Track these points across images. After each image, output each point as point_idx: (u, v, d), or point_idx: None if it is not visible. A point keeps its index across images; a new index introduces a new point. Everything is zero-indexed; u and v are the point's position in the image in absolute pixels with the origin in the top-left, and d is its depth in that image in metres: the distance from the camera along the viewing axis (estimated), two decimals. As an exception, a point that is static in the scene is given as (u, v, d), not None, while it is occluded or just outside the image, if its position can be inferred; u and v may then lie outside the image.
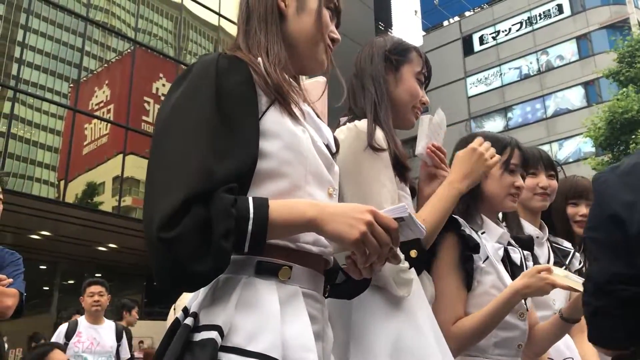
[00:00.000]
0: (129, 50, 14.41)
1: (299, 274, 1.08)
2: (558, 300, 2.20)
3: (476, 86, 30.17)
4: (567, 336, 2.13)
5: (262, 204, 0.99)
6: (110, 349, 4.72)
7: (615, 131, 14.94)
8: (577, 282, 1.67)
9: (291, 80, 1.23)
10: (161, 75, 14.90)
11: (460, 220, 1.81)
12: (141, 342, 11.02)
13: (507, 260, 1.92)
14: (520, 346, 1.84)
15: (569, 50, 27.48)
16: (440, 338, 1.50)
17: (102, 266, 15.44)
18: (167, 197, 0.95)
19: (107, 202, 13.36)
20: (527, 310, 1.85)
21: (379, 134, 1.54)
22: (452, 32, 32.01)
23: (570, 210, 2.51)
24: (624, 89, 15.79)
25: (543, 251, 2.29)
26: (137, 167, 14.02)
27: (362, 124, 1.56)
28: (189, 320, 1.00)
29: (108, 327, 5.01)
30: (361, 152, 1.50)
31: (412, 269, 1.49)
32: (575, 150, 24.94)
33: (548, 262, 2.25)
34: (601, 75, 17.86)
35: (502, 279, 1.81)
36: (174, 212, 0.92)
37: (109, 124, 13.75)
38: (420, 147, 1.72)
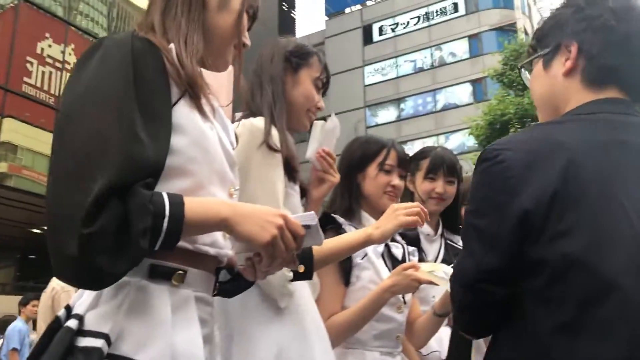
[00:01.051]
0: (11, 4, 13.34)
1: (193, 277, 1.06)
2: (438, 295, 2.33)
3: (373, 75, 30.94)
4: (441, 330, 2.25)
5: (178, 202, 0.95)
6: None
7: (494, 131, 15.95)
8: (441, 278, 1.76)
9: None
10: (47, 35, 13.96)
11: (340, 219, 1.89)
12: (11, 316, 10.40)
13: (388, 255, 2.01)
14: (398, 337, 1.95)
15: (461, 48, 28.86)
16: (326, 342, 1.56)
17: (-29, 236, 14.35)
18: (86, 187, 0.89)
19: (-21, 167, 12.39)
20: (405, 303, 1.96)
21: (275, 134, 1.55)
22: (354, 20, 32.52)
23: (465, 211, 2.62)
24: (504, 92, 16.86)
25: (434, 248, 2.40)
26: (15, 131, 13.11)
27: (258, 121, 1.56)
28: (72, 323, 0.94)
29: None
30: (255, 149, 1.51)
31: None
32: (460, 144, 26.31)
33: (436, 258, 2.37)
34: (487, 74, 18.93)
35: (380, 274, 1.91)
36: (95, 206, 0.87)
37: (-14, 83, 12.72)
38: (310, 152, 1.76)
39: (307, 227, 1.05)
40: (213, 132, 1.12)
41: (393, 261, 2.01)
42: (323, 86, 1.78)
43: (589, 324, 0.99)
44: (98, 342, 0.91)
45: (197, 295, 1.06)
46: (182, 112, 1.06)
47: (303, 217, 1.06)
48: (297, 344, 1.47)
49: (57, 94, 13.96)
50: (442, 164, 2.38)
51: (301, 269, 1.44)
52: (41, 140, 13.53)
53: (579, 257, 1.01)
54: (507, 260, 1.07)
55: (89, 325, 0.94)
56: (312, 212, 1.10)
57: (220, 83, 1.37)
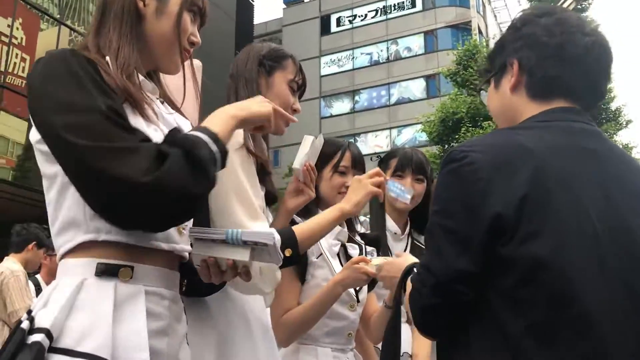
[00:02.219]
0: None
1: (143, 272, 1.11)
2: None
3: (329, 66, 30.96)
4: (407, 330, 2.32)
5: (203, 128, 1.10)
6: None
7: (447, 128, 16.26)
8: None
9: (141, 80, 1.23)
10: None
11: (298, 218, 1.92)
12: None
13: (344, 255, 2.07)
14: (350, 335, 2.00)
15: (417, 43, 29.20)
16: (271, 340, 1.59)
17: None
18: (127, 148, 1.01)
19: None
20: (359, 302, 2.02)
21: (251, 139, 1.57)
22: (312, 10, 32.43)
23: None
24: (457, 90, 17.19)
25: (399, 246, 2.45)
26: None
27: None
28: (25, 324, 1.01)
29: None
30: (233, 150, 1.49)
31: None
32: (411, 138, 26.71)
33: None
34: (441, 72, 19.24)
35: (334, 272, 1.96)
36: (155, 156, 1.01)
37: None
38: (298, 162, 1.77)
39: (263, 244, 1.07)
40: (158, 134, 1.15)
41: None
42: (299, 88, 1.79)
43: (558, 325, 1.03)
44: (39, 337, 0.97)
45: (149, 289, 1.10)
46: (127, 116, 1.11)
47: (261, 234, 1.08)
48: (240, 335, 1.49)
49: (2, 69, 13.44)
50: (410, 162, 2.42)
51: (288, 252, 1.47)
52: (-17, 117, 13.01)
53: (546, 258, 1.05)
54: (480, 262, 1.09)
55: (37, 323, 1.01)
56: (273, 231, 1.11)
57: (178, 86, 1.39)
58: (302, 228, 1.57)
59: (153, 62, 1.29)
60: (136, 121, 1.12)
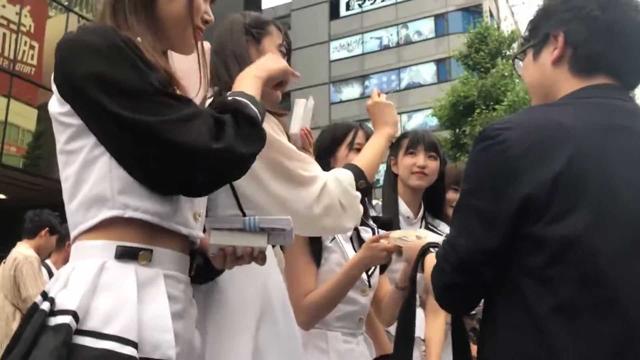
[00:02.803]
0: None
1: (161, 256, 1.11)
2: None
3: (338, 51, 30.82)
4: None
5: (239, 93, 1.17)
6: None
7: (457, 113, 16.17)
8: (407, 241, 1.71)
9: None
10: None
11: None
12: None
13: (357, 239, 2.05)
14: (361, 319, 1.99)
15: (427, 27, 28.98)
16: (290, 316, 1.56)
17: None
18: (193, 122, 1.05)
19: None
20: (370, 287, 2.00)
21: None
22: (321, -6, 32.27)
23: (451, 195, 2.68)
24: (468, 74, 17.07)
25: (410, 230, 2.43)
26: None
27: None
28: (45, 305, 1.00)
29: None
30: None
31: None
32: (422, 123, 26.60)
33: None
34: (452, 55, 19.10)
35: (346, 257, 1.95)
36: (213, 123, 1.06)
37: None
38: (295, 128, 1.79)
39: (280, 229, 1.10)
40: None
41: (361, 245, 2.03)
42: (287, 53, 1.75)
43: (588, 304, 1.02)
44: (66, 319, 0.97)
45: (166, 273, 1.11)
46: None
47: (277, 221, 1.10)
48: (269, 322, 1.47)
49: (12, 57, 13.45)
50: (422, 139, 2.44)
51: (361, 185, 1.54)
52: (-7, 104, 13.06)
53: (578, 238, 1.03)
54: (506, 241, 1.08)
55: (59, 305, 1.00)
56: (289, 217, 1.10)
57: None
58: (363, 161, 1.63)
59: (167, 44, 1.28)
60: None
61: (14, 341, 0.98)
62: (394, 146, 2.48)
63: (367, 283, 1.99)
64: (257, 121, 1.12)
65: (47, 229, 4.26)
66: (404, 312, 1.56)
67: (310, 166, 1.49)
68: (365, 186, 1.54)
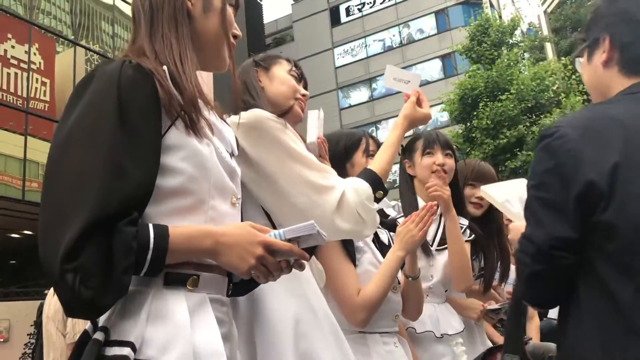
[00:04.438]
0: (-30, 7, 13.02)
1: (206, 281, 1.11)
2: (436, 274, 2.42)
3: (343, 57, 30.84)
4: (434, 309, 2.37)
5: (162, 235, 1.01)
6: None
7: (466, 106, 16.07)
8: (515, 213, 1.68)
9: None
10: (10, 35, 13.64)
11: None
12: (-4, 324, 10.28)
13: (377, 241, 2.13)
14: (397, 316, 2.04)
15: (428, 24, 28.89)
16: (333, 322, 1.60)
17: (-53, 245, 14.11)
18: (67, 224, 0.94)
19: (-49, 175, 12.16)
20: (400, 283, 2.07)
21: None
22: (320, 2, 32.29)
23: (468, 191, 2.73)
24: (474, 66, 16.97)
25: (432, 228, 2.46)
26: (-16, 137, 12.85)
27: (260, 112, 1.61)
28: (99, 335, 0.99)
29: None
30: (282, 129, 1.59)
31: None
32: (433, 120, 26.42)
33: (434, 239, 2.47)
34: (455, 50, 19.02)
35: (376, 256, 2.04)
36: (75, 242, 0.92)
37: (-51, 89, 12.43)
38: (311, 137, 1.84)
39: (307, 235, 1.09)
40: (210, 148, 1.14)
41: (381, 246, 2.12)
42: (300, 77, 1.83)
43: None
44: (124, 350, 0.96)
45: (211, 297, 1.12)
46: (177, 134, 1.09)
47: (301, 228, 1.08)
48: (309, 316, 1.51)
49: (24, 96, 13.71)
50: (437, 139, 2.50)
51: (379, 194, 1.57)
52: (11, 144, 13.29)
53: None
54: (577, 228, 1.15)
55: (114, 335, 1.00)
56: (312, 222, 1.08)
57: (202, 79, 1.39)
58: (379, 164, 1.66)
59: (203, 62, 1.27)
60: (187, 138, 1.10)
61: None
62: (407, 149, 2.54)
63: (397, 280, 2.04)
64: (120, 276, 0.96)
65: None
66: (513, 315, 1.63)
67: (329, 175, 1.53)
68: (382, 195, 1.59)
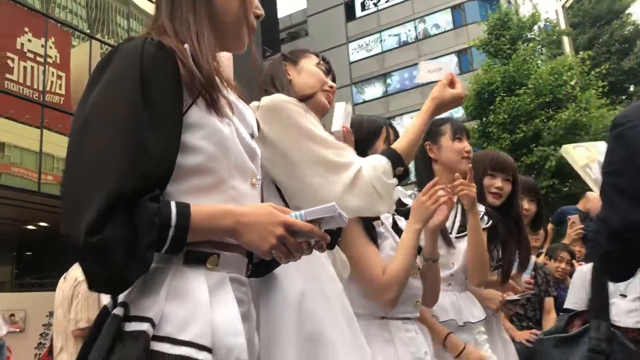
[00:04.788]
0: (-12, 0, 13.13)
1: (226, 260, 1.12)
2: (457, 262, 2.42)
3: (357, 52, 30.77)
4: (456, 297, 2.37)
5: (184, 213, 1.01)
6: None
7: (483, 101, 15.95)
8: (594, 180, 1.75)
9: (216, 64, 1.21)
10: (26, 29, 13.76)
11: None
12: (12, 315, 10.40)
13: (395, 228, 2.09)
14: (417, 302, 2.01)
15: (444, 19, 28.73)
16: (346, 305, 1.58)
17: (-35, 236, 14.30)
18: (91, 198, 0.94)
19: (-32, 167, 12.31)
20: (419, 269, 2.05)
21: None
22: (335, -3, 32.28)
23: (487, 181, 2.72)
24: (490, 61, 16.84)
25: (451, 213, 2.44)
26: (1, 129, 12.98)
27: (280, 96, 1.63)
28: (118, 310, 1.00)
29: None
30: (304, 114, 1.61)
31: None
32: (448, 115, 26.26)
33: (453, 225, 2.49)
34: (472, 44, 18.88)
35: (397, 242, 2.01)
36: (99, 217, 0.92)
37: (-33, 82, 12.56)
38: (338, 126, 1.88)
39: (329, 217, 1.09)
40: (231, 128, 1.15)
41: (399, 233, 2.08)
42: (328, 70, 1.85)
43: None
44: (143, 326, 0.97)
45: (231, 277, 1.12)
46: (198, 113, 1.10)
47: (322, 210, 1.08)
48: (317, 294, 1.49)
49: (40, 89, 13.82)
50: (463, 127, 2.57)
51: (398, 171, 1.56)
52: (28, 137, 13.42)
53: None
54: None
55: (133, 311, 1.00)
56: (333, 203, 1.08)
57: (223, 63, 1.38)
58: (402, 144, 1.64)
59: (220, 44, 1.28)
60: (208, 116, 1.11)
61: (88, 347, 0.98)
62: (431, 132, 2.53)
63: (417, 265, 2.03)
64: (143, 251, 0.97)
65: None
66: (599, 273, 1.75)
67: (345, 152, 1.54)
68: (403, 172, 1.57)
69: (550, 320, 4.08)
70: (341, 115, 1.87)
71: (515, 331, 3.79)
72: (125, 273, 0.95)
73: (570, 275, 4.33)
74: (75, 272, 4.13)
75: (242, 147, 1.18)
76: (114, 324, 0.98)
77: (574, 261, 4.71)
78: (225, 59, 1.48)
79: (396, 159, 1.56)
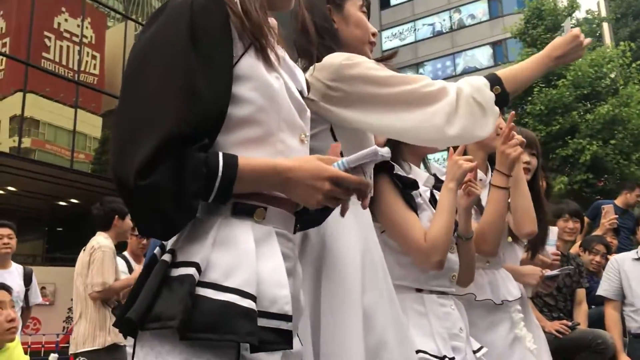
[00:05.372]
0: (27, -21, 13.35)
1: (273, 215, 1.12)
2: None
3: (391, 40, 30.51)
4: (494, 275, 2.32)
5: (231, 165, 1.02)
6: (17, 293, 4.50)
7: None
8: None
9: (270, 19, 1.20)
10: (63, 9, 13.97)
11: (392, 163, 1.87)
12: (43, 288, 10.64)
13: (433, 202, 2.01)
14: (454, 277, 1.94)
15: (480, 9, 28.28)
16: (389, 279, 1.56)
17: (0, 210, 14.66)
18: (142, 140, 0.96)
19: (4, 142, 12.57)
20: (456, 244, 1.98)
21: None
22: (370, -16, 32.03)
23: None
24: (528, 50, 16.50)
25: (484, 193, 2.40)
26: (37, 107, 13.24)
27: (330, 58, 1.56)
28: (166, 257, 1.02)
29: (15, 271, 4.76)
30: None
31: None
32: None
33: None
34: (509, 35, 18.53)
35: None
36: (151, 158, 0.94)
37: (5, 59, 12.80)
38: None
39: (369, 162, 1.11)
40: (280, 82, 1.15)
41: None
42: (368, 15, 1.74)
43: None
44: (189, 270, 0.98)
45: (277, 231, 1.12)
46: (248, 64, 1.10)
47: (364, 155, 1.09)
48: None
49: (75, 68, 14.02)
50: None
51: (496, 90, 1.50)
52: (61, 115, 13.66)
53: None
54: None
55: (180, 257, 1.02)
56: (374, 147, 1.09)
57: None
58: (505, 71, 1.58)
59: (269, 1, 1.26)
60: (258, 67, 1.11)
61: (136, 291, 1.00)
62: None
63: (454, 239, 1.96)
64: (190, 199, 1.00)
65: (116, 216, 4.33)
66: None
67: (429, 81, 1.48)
68: (500, 92, 1.49)
69: (582, 311, 4.00)
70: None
71: (545, 321, 3.71)
72: (172, 218, 0.98)
73: (604, 268, 4.24)
74: (92, 242, 4.20)
75: (292, 102, 1.18)
76: (161, 269, 1.00)
77: (608, 255, 4.59)
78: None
79: (493, 79, 1.50)
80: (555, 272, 2.57)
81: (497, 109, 1.48)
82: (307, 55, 1.63)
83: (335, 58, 1.52)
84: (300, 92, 1.25)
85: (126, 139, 0.99)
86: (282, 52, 1.22)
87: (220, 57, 1.06)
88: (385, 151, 1.09)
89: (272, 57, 1.14)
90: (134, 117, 1.00)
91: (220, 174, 1.00)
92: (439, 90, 1.45)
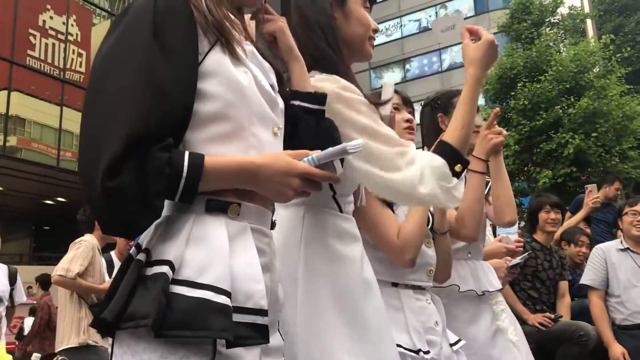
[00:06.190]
0: (11, -23, 13.21)
1: (248, 210, 1.12)
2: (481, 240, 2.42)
3: (377, 36, 30.21)
4: (475, 266, 2.36)
5: (197, 165, 1.02)
6: (2, 293, 4.51)
7: (504, 86, 15.70)
8: None
9: (233, 16, 1.20)
10: (48, 6, 13.86)
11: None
12: (29, 287, 10.56)
13: None
14: (430, 271, 1.97)
15: (466, 5, 28.33)
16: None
17: (-15, 210, 14.54)
18: (107, 142, 0.96)
19: (-12, 141, 12.47)
20: (432, 238, 2.01)
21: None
22: (356, -20, 31.98)
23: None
24: (513, 45, 16.58)
25: (460, 184, 2.45)
26: (22, 105, 13.13)
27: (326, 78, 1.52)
28: (141, 256, 1.03)
29: (0, 270, 4.76)
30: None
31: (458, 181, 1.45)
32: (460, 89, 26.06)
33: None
34: (496, 29, 18.61)
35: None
36: (117, 160, 0.95)
37: (-11, 57, 12.69)
38: (387, 110, 1.84)
39: (340, 158, 1.15)
40: (248, 76, 1.14)
41: None
42: (370, 3, 1.68)
43: None
44: (163, 268, 0.99)
45: (253, 227, 1.13)
46: (215, 60, 1.10)
47: (332, 153, 1.12)
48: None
49: (61, 66, 13.92)
50: None
51: (458, 168, 1.43)
52: (47, 113, 13.56)
53: None
54: None
55: (155, 256, 1.03)
56: (344, 144, 1.10)
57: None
58: (451, 134, 1.48)
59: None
60: (225, 62, 1.11)
61: (112, 291, 1.01)
62: (443, 103, 2.48)
63: (431, 234, 2.00)
64: (153, 200, 0.99)
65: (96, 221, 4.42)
66: None
67: (408, 149, 1.44)
68: (462, 168, 1.44)
69: (565, 304, 4.05)
70: (392, 93, 1.82)
71: (528, 314, 3.77)
72: (136, 220, 0.99)
73: (587, 259, 4.30)
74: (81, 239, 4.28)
75: (262, 96, 1.17)
76: (136, 268, 1.00)
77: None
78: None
79: (453, 157, 1.43)
80: (517, 259, 2.63)
81: (458, 193, 1.44)
82: (308, 52, 1.56)
83: (329, 83, 1.48)
84: (272, 86, 1.25)
85: (91, 139, 1.00)
86: (250, 47, 1.22)
87: (184, 53, 1.05)
88: (355, 145, 1.10)
89: (239, 51, 1.14)
90: (99, 116, 1.01)
91: (184, 174, 1.00)
92: (409, 162, 1.42)
